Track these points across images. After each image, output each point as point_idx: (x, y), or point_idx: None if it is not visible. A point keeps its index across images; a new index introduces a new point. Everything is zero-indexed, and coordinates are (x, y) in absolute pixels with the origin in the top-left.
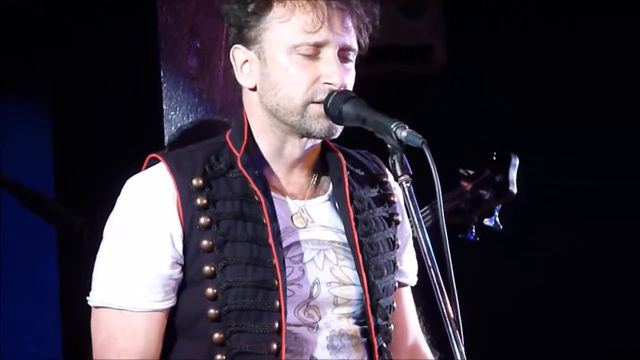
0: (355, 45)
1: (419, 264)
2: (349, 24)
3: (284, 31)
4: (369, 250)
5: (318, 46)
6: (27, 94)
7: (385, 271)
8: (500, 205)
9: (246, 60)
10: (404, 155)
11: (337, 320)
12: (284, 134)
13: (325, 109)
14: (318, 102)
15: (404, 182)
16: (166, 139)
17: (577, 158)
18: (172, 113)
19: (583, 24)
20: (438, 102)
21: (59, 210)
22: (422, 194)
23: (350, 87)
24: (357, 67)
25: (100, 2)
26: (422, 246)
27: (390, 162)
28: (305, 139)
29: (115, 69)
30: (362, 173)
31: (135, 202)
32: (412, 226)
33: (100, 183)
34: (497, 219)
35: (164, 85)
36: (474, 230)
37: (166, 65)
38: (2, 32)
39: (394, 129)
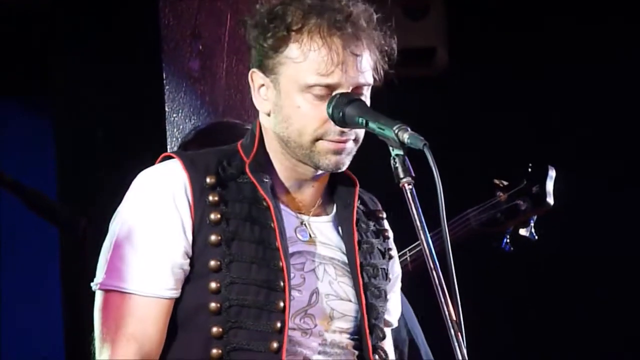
0: (370, 81)
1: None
2: (364, 65)
3: (297, 71)
4: (369, 272)
5: (331, 87)
6: (28, 96)
7: (383, 295)
8: (535, 216)
9: (263, 85)
10: (406, 158)
11: (332, 333)
12: (295, 160)
13: (328, 112)
14: (328, 141)
15: (406, 185)
16: (168, 141)
17: (581, 158)
18: (174, 115)
19: (587, 24)
20: (440, 104)
21: (61, 212)
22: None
23: (361, 133)
24: None
25: (102, 4)
26: (424, 248)
27: (392, 164)
28: (314, 169)
29: (117, 70)
30: (362, 207)
31: (150, 191)
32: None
33: (102, 184)
34: (533, 230)
35: (166, 87)
36: (508, 240)
37: (168, 68)
38: (4, 34)
39: (396, 131)
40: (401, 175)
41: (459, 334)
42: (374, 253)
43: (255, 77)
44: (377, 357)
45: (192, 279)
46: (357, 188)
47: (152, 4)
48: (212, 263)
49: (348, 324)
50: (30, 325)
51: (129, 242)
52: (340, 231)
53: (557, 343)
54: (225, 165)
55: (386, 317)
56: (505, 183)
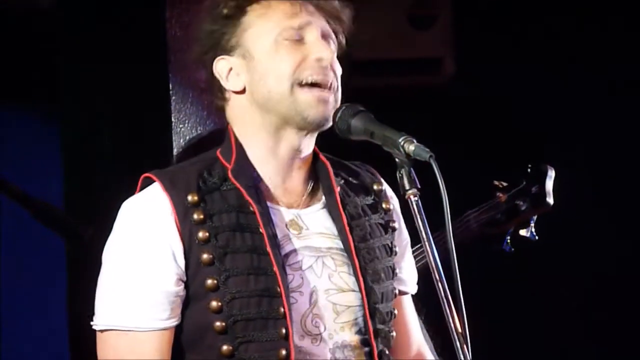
0: (333, 35)
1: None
2: (323, 12)
3: (265, 23)
4: (365, 255)
5: (301, 29)
6: (35, 105)
7: (384, 276)
8: (536, 216)
9: (230, 69)
10: (412, 169)
11: (340, 331)
12: (277, 130)
13: (334, 123)
14: (307, 85)
15: (411, 196)
16: (175, 151)
17: (588, 168)
18: (180, 126)
19: (593, 33)
20: (447, 114)
21: (68, 222)
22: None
23: (338, 75)
24: (366, 79)
25: (109, 14)
26: (429, 260)
27: (398, 176)
28: (299, 134)
29: (124, 81)
30: (356, 182)
31: (134, 223)
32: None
33: (109, 195)
34: (533, 230)
35: (173, 97)
36: (509, 241)
37: (175, 78)
38: (10, 40)
39: (402, 143)
40: (407, 187)
41: (465, 345)
42: (371, 232)
43: (221, 65)
44: (379, 340)
45: (192, 302)
46: (331, 172)
47: (159, 14)
48: (209, 282)
49: (354, 315)
50: (36, 337)
51: (120, 278)
52: (333, 217)
53: (562, 349)
54: (206, 176)
55: (401, 287)
56: (505, 184)
